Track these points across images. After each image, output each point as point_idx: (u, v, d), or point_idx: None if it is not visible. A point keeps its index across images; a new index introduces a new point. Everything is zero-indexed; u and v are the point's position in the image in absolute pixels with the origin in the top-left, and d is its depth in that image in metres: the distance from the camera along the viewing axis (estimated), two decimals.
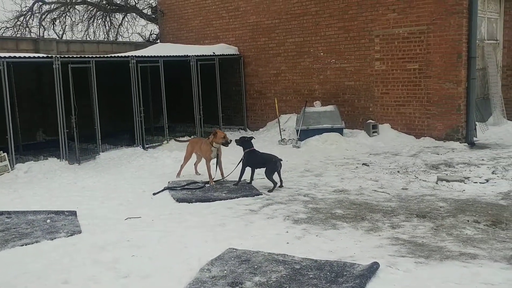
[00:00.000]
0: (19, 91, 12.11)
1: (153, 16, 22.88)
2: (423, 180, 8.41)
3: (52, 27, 23.67)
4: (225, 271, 4.55)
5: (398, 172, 9.10)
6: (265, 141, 12.89)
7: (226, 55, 14.36)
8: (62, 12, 24.42)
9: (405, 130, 11.99)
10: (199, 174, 9.31)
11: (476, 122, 11.91)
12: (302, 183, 8.47)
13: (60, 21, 24.56)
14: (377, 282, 4.40)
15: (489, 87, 13.08)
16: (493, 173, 8.61)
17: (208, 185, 8.41)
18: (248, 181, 8.44)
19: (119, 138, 12.76)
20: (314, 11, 13.17)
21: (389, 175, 8.90)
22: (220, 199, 7.46)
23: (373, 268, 4.52)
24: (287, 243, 5.48)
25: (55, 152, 10.87)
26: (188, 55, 13.18)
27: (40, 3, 24.36)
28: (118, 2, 24.43)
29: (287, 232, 5.88)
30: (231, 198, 7.50)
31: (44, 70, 12.33)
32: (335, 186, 8.23)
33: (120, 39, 23.78)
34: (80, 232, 5.81)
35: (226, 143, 8.63)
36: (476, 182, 8.08)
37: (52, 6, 24.51)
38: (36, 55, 10.22)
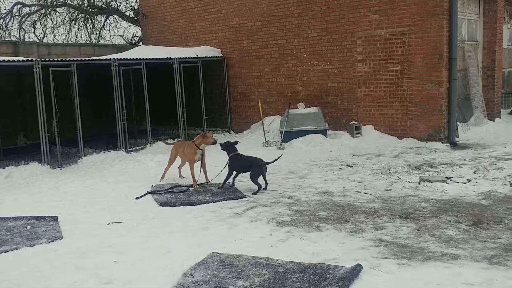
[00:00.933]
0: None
1: (136, 18, 22.74)
2: (406, 181, 8.47)
3: (32, 30, 23.43)
4: (208, 276, 4.52)
5: (381, 173, 9.15)
6: (249, 143, 12.86)
7: (209, 57, 14.33)
8: (42, 15, 24.19)
9: (388, 131, 12.07)
10: (183, 178, 9.26)
11: (458, 123, 12.05)
12: (286, 185, 8.48)
13: (41, 24, 24.34)
14: (360, 285, 4.41)
15: (470, 88, 13.25)
16: (474, 173, 8.70)
17: (192, 188, 8.36)
18: (231, 184, 8.42)
19: (103, 142, 12.63)
20: (296, 13, 13.20)
21: (372, 176, 8.95)
22: (204, 203, 7.42)
23: (356, 270, 4.53)
24: (271, 246, 5.47)
25: (37, 156, 10.72)
26: (171, 57, 13.11)
27: (20, 6, 24.10)
28: (99, 5, 24.25)
29: (271, 235, 5.87)
30: (215, 202, 7.47)
31: (25, 73, 12.18)
32: (319, 187, 8.24)
33: (102, 41, 23.60)
34: (61, 237, 5.73)
35: (215, 142, 8.69)
36: (458, 182, 8.16)
37: (33, 8, 24.25)
38: (16, 58, 10.07)
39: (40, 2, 24.16)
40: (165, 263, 4.96)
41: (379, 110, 12.17)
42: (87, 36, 24.54)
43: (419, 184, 8.19)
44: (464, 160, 9.81)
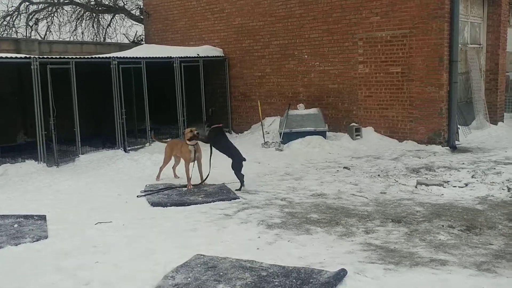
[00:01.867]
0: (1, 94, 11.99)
1: (141, 17, 22.75)
2: (403, 184, 8.36)
3: (35, 28, 23.43)
4: (189, 279, 4.46)
5: (379, 175, 9.05)
6: (249, 143, 12.79)
7: (211, 57, 14.27)
8: (49, 13, 24.27)
9: (388, 133, 11.95)
10: (178, 177, 9.21)
11: (459, 126, 11.91)
12: (281, 187, 8.40)
13: (47, 22, 24.41)
14: None
15: (472, 91, 13.09)
16: (472, 177, 8.58)
17: (185, 188, 8.30)
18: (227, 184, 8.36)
19: (103, 140, 12.61)
20: (298, 14, 13.11)
21: (369, 178, 8.85)
22: (196, 203, 7.36)
23: (340, 275, 4.45)
24: (258, 248, 5.39)
25: (35, 154, 10.71)
26: (172, 56, 13.07)
27: (27, 3, 24.16)
28: (106, 3, 24.28)
29: (259, 237, 5.79)
30: (207, 202, 7.40)
31: (26, 71, 12.12)
32: (314, 190, 8.16)
33: (108, 40, 23.62)
34: (46, 237, 5.68)
35: (195, 136, 8.58)
36: (455, 186, 8.04)
37: (40, 6, 24.32)
38: (14, 55, 10.06)
39: (47, 0, 24.26)
40: (148, 264, 4.90)
41: (380, 112, 12.05)
42: (94, 34, 24.62)
43: (416, 187, 8.09)
44: (463, 163, 9.68)
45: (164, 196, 7.79)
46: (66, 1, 23.96)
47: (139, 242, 5.60)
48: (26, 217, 6.40)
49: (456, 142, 11.47)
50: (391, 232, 5.94)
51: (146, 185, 8.56)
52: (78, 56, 11.28)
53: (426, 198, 7.42)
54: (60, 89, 10.59)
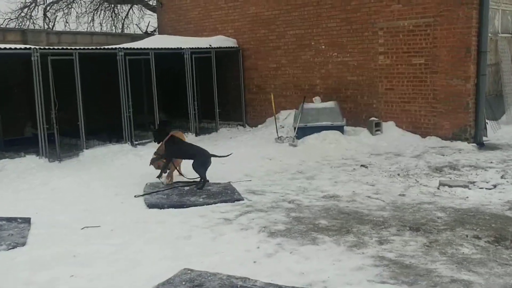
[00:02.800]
0: (7, 84, 11.61)
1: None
2: (424, 185, 7.65)
3: (45, 18, 23.07)
4: None
5: (398, 175, 8.34)
6: (262, 138, 12.20)
7: (224, 47, 13.66)
8: (66, 4, 23.98)
9: (410, 128, 11.17)
10: (182, 175, 8.64)
11: (487, 121, 11.05)
12: (291, 187, 7.77)
13: (64, 13, 24.13)
14: None
15: (502, 84, 12.18)
16: (502, 177, 7.81)
17: (188, 187, 7.72)
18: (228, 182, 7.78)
19: (113, 134, 12.13)
20: (315, 2, 12.38)
21: (388, 178, 8.16)
22: (196, 205, 6.80)
23: None
24: (254, 262, 4.79)
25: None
26: (182, 47, 12.52)
27: None
28: None
29: (258, 247, 5.19)
30: (208, 204, 6.84)
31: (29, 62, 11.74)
32: (326, 191, 7.51)
33: (126, 31, 23.23)
34: (24, 244, 5.19)
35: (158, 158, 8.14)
36: (482, 188, 7.30)
37: None
38: (14, 46, 9.63)
39: None
40: (128, 280, 4.36)
41: (401, 106, 11.27)
42: (112, 25, 24.26)
43: (438, 189, 7.38)
44: (491, 162, 8.88)
45: (163, 196, 7.24)
46: None
47: (124, 252, 5.06)
48: (9, 219, 5.93)
49: (484, 139, 10.62)
50: (407, 242, 5.26)
51: (146, 184, 8.03)
52: (81, 47, 10.78)
53: (449, 202, 6.71)
54: (69, 82, 10.23)
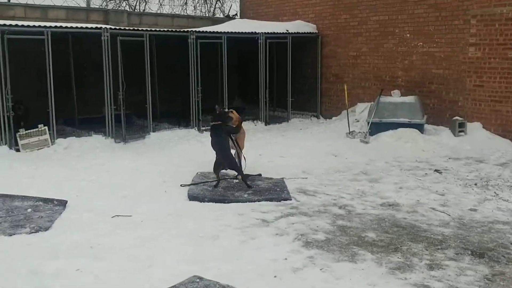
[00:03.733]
0: (88, 64, 11.91)
1: None
2: (504, 200, 6.62)
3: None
4: None
5: (475, 185, 7.33)
6: (333, 132, 11.50)
7: (302, 33, 13.01)
8: None
9: (500, 132, 9.88)
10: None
11: None
12: (348, 190, 7.08)
13: None
14: None
15: None
16: None
17: (237, 180, 7.32)
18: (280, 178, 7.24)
19: (184, 118, 12.03)
20: None
21: (462, 188, 7.20)
22: (238, 201, 6.37)
23: None
24: (275, 276, 4.26)
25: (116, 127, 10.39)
26: (257, 32, 12.07)
27: None
28: None
29: (286, 258, 4.64)
30: (252, 201, 6.38)
31: (113, 42, 11.94)
32: (387, 197, 6.74)
33: (218, 15, 23.21)
34: (47, 228, 5.06)
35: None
36: None
37: None
38: (85, 25, 9.74)
39: None
40: (135, 281, 4.03)
41: (491, 105, 9.99)
42: (206, 9, 24.38)
43: None
44: None
45: (208, 188, 6.89)
46: None
47: (144, 248, 4.77)
48: (46, 200, 5.89)
49: None
50: (464, 271, 4.45)
51: (197, 173, 7.72)
52: (153, 29, 10.69)
53: None
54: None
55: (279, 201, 6.45)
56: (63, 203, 5.83)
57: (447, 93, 10.76)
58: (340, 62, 13.04)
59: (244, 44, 12.40)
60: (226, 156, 7.12)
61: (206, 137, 10.39)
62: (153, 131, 10.72)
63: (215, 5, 24.75)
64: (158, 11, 19.81)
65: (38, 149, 9.15)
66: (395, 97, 10.76)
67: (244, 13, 15.83)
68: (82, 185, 6.91)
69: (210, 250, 4.76)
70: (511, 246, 5.05)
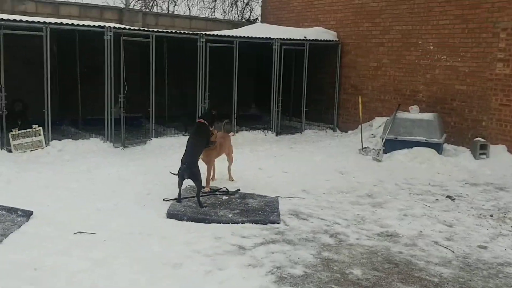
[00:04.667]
0: (97, 64, 11.63)
1: None
2: None
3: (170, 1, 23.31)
4: None
5: (491, 216, 6.57)
6: (346, 146, 10.85)
7: (321, 40, 12.38)
8: None
9: None
10: (233, 180, 7.71)
11: None
12: (346, 214, 6.43)
13: None
14: None
15: None
16: None
17: (226, 197, 6.77)
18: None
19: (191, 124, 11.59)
20: None
21: (474, 219, 6.45)
22: (219, 222, 5.81)
23: None
24: None
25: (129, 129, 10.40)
26: (272, 37, 11.51)
27: None
28: None
29: None
30: (235, 222, 5.81)
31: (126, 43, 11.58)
32: (387, 225, 6.07)
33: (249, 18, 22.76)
34: None
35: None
36: None
37: None
38: (87, 23, 9.38)
39: None
40: None
41: None
42: (235, 12, 23.98)
43: None
44: None
45: (193, 205, 6.35)
46: None
47: (92, 273, 4.25)
48: (10, 210, 5.46)
49: None
50: None
51: (187, 186, 7.15)
52: (160, 30, 10.26)
53: None
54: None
55: (266, 224, 5.86)
56: (27, 214, 5.39)
57: (470, 112, 9.95)
58: (359, 72, 12.35)
59: (263, 50, 11.88)
60: (192, 163, 6.46)
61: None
62: (155, 137, 10.29)
63: (243, 9, 24.38)
64: (183, 13, 19.50)
65: (31, 151, 8.83)
66: (413, 113, 10.02)
67: (265, 18, 15.32)
68: (58, 194, 6.49)
69: (166, 281, 4.22)
70: None
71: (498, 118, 9.46)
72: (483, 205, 7.07)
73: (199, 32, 10.56)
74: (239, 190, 7.09)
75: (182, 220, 5.81)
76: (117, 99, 9.59)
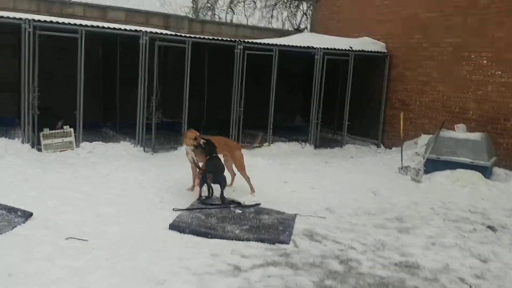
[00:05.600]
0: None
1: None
2: None
3: (228, 11, 23.37)
4: None
5: None
6: (385, 165, 10.23)
7: (367, 51, 11.79)
8: None
9: None
10: (253, 193, 7.34)
11: None
12: (366, 239, 5.88)
13: (244, 5, 24.37)
14: None
15: None
16: None
17: (240, 211, 6.39)
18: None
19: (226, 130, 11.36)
20: (484, 4, 9.81)
21: None
22: (223, 237, 5.45)
23: None
24: None
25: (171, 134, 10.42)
26: (314, 47, 11.08)
27: None
28: None
29: None
30: (240, 239, 5.44)
31: (170, 48, 11.53)
32: (409, 254, 5.48)
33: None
34: None
35: (198, 146, 6.86)
36: None
37: None
38: (123, 26, 9.33)
39: None
40: None
41: None
42: (294, 22, 23.75)
43: None
44: None
45: (201, 217, 6.03)
46: None
47: (67, 284, 4.02)
48: (10, 210, 5.36)
49: None
50: None
51: (201, 197, 6.87)
52: (196, 36, 10.08)
53: None
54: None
55: (273, 243, 5.44)
56: (26, 215, 5.27)
57: None
58: (407, 87, 11.65)
59: (311, 60, 11.46)
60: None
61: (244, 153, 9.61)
62: None
63: (301, 19, 24.03)
64: (208, 19, 19.35)
65: (60, 151, 8.87)
66: (459, 132, 9.25)
67: (314, 28, 14.91)
68: (67, 196, 6.37)
69: None
70: None
71: None
72: None
73: (237, 39, 10.31)
74: (259, 204, 6.73)
75: (183, 233, 5.50)
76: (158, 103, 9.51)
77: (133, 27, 9.52)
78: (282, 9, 23.68)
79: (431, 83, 11.02)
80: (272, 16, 24.04)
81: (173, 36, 9.60)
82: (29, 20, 8.35)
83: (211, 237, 5.44)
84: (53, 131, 8.88)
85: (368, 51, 11.79)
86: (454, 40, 10.41)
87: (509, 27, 9.32)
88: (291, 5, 23.85)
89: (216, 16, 23.65)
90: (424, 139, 10.87)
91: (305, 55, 11.31)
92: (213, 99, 12.42)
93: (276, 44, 10.67)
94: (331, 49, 11.26)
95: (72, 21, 8.86)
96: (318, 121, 11.36)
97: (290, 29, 18.24)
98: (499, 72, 9.51)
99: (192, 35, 9.89)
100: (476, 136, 8.95)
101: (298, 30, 16.53)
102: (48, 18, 8.72)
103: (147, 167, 8.36)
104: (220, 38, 10.50)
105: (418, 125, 11.09)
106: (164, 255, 4.81)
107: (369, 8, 12.70)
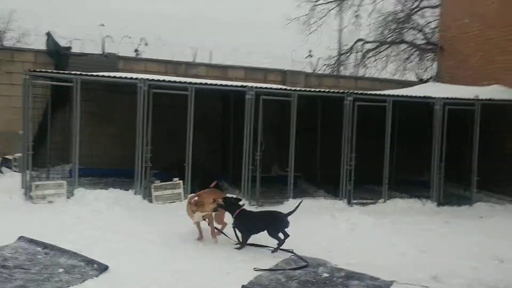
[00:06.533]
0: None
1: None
2: None
3: (360, 65, 23.11)
4: None
5: None
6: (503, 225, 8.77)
7: (496, 100, 10.57)
8: (377, 51, 23.88)
9: None
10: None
11: None
12: None
13: (375, 59, 24.03)
14: None
15: None
16: None
17: (328, 274, 5.84)
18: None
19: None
20: None
21: None
22: None
23: None
24: None
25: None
26: (433, 96, 10.27)
27: (362, 42, 24.37)
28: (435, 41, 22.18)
29: None
30: None
31: (286, 103, 11.57)
32: None
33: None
34: None
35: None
36: None
37: (373, 45, 24.18)
38: (230, 83, 9.61)
39: (380, 39, 23.93)
40: None
41: None
42: (416, 72, 22.84)
43: None
44: None
45: (281, 279, 5.58)
46: (398, 40, 23.28)
47: None
48: (88, 262, 5.38)
49: None
50: None
51: (290, 256, 6.45)
52: (301, 89, 10.00)
53: None
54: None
55: None
56: (101, 269, 5.25)
57: None
58: None
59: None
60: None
61: (354, 213, 9.01)
62: (293, 198, 9.79)
63: (426, 70, 22.90)
64: (323, 73, 18.84)
65: (170, 202, 9.16)
66: None
67: (440, 76, 13.96)
68: (151, 249, 6.36)
69: None
70: None
71: None
72: None
73: (347, 91, 9.98)
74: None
75: None
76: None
77: (244, 83, 9.74)
78: (416, 62, 22.96)
79: None
80: (405, 69, 23.39)
81: (277, 90, 9.61)
82: (144, 79, 8.97)
83: None
84: (164, 183, 9.22)
85: (497, 100, 10.57)
86: None
87: None
88: (423, 57, 22.99)
89: (347, 71, 23.63)
90: None
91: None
92: (326, 153, 12.04)
93: (388, 95, 10.08)
94: (452, 98, 10.32)
95: (183, 79, 9.33)
96: (441, 175, 10.30)
97: (414, 79, 17.35)
98: None
99: (297, 89, 9.82)
100: None
101: (422, 81, 15.62)
102: (161, 77, 9.30)
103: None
104: (327, 90, 10.27)
105: None
106: None
107: (501, 55, 11.58)
